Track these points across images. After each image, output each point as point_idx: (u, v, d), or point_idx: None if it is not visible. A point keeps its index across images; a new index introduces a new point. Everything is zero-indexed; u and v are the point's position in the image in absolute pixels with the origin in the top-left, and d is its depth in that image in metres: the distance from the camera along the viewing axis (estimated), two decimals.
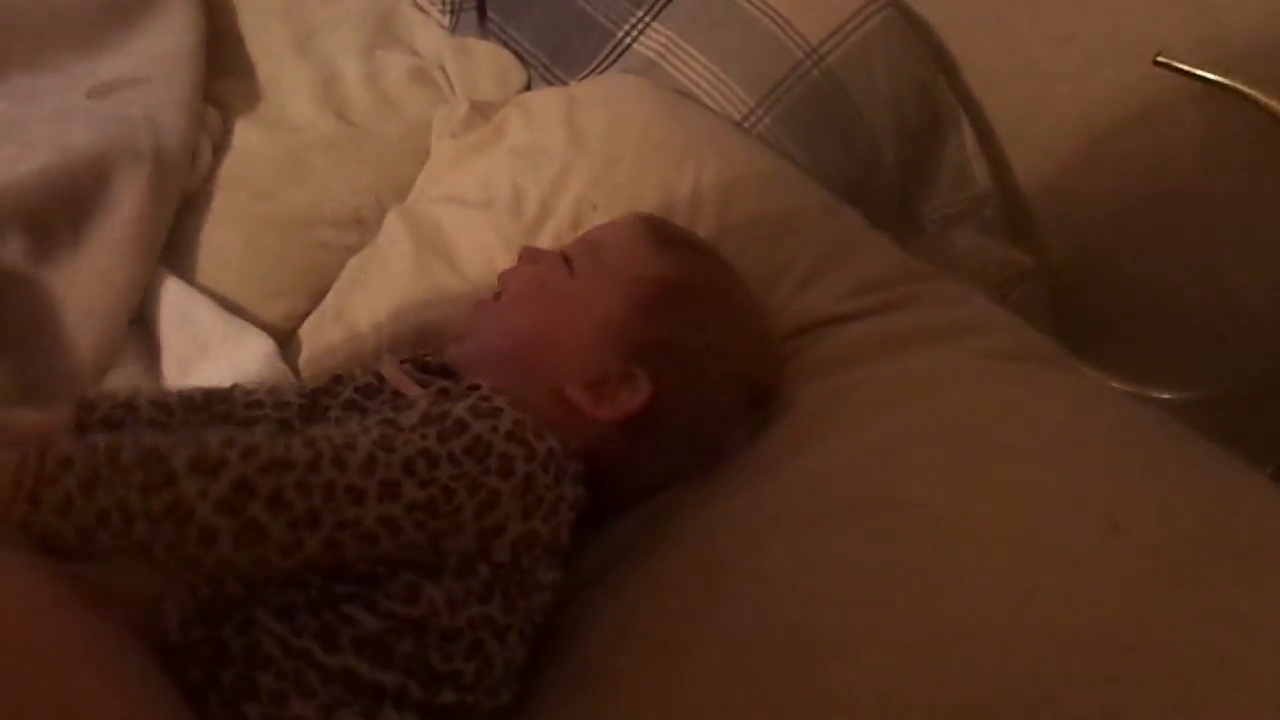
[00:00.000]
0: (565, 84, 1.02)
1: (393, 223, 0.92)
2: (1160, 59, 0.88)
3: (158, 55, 1.03)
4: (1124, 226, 1.09)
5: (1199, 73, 0.87)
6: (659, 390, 0.65)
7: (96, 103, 0.93)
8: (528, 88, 1.06)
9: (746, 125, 0.96)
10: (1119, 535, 0.60)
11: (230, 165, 0.97)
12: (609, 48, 1.01)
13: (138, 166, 0.86)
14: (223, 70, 1.10)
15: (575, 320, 0.67)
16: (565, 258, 0.71)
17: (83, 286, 0.81)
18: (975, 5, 1.09)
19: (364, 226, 0.95)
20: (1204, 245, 1.01)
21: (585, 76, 1.01)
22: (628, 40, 1.00)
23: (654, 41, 0.99)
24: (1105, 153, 1.05)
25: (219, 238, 0.92)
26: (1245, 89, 0.85)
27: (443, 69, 1.08)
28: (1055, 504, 0.64)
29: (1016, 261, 1.05)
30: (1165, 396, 0.99)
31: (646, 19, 1.00)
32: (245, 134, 1.01)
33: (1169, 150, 0.99)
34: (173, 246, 0.89)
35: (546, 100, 0.96)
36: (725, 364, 0.69)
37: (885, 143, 1.01)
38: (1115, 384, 0.98)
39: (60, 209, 0.81)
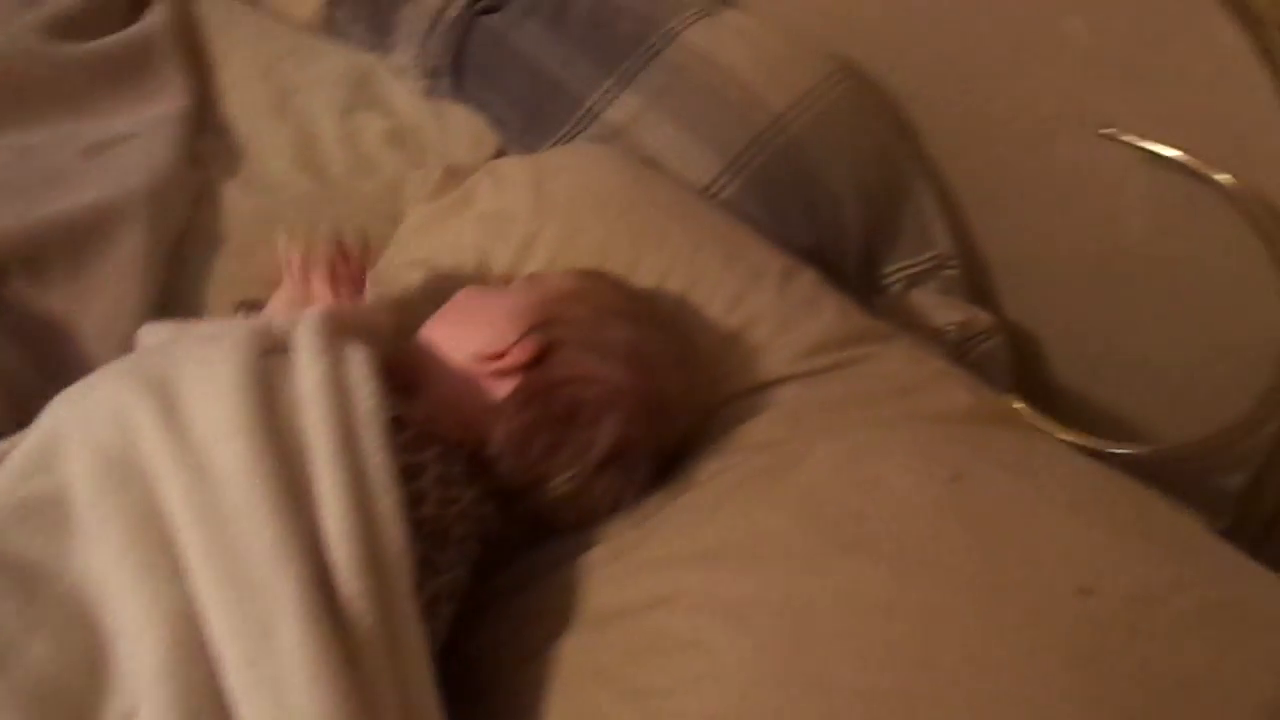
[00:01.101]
0: (536, 150, 1.05)
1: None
2: (1103, 131, 0.92)
3: (149, 117, 1.07)
4: (1078, 286, 1.12)
5: (1141, 144, 0.91)
6: (547, 353, 0.73)
7: (90, 161, 0.96)
8: (501, 153, 1.09)
9: (712, 191, 0.99)
10: (1089, 597, 0.62)
11: (208, 222, 0.99)
12: (578, 115, 1.04)
13: (132, 208, 0.91)
14: (202, 127, 1.12)
15: (491, 309, 0.77)
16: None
17: (92, 313, 0.87)
18: (936, 74, 1.13)
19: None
20: (1152, 305, 1.04)
21: (555, 143, 1.04)
22: (596, 109, 1.04)
23: (623, 110, 1.03)
24: (1058, 216, 1.09)
25: (200, 292, 0.94)
26: (1183, 158, 0.89)
27: (417, 131, 1.11)
28: (1019, 568, 0.65)
29: (976, 319, 1.08)
30: (1120, 451, 1.01)
31: (616, 89, 1.04)
32: (224, 191, 1.03)
33: (1117, 215, 1.02)
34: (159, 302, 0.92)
35: (515, 167, 0.99)
36: (617, 373, 0.73)
37: (847, 207, 1.04)
38: (1072, 438, 1.01)
39: (56, 250, 0.88)
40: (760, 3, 1.13)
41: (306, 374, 0.62)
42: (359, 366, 0.63)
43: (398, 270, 0.95)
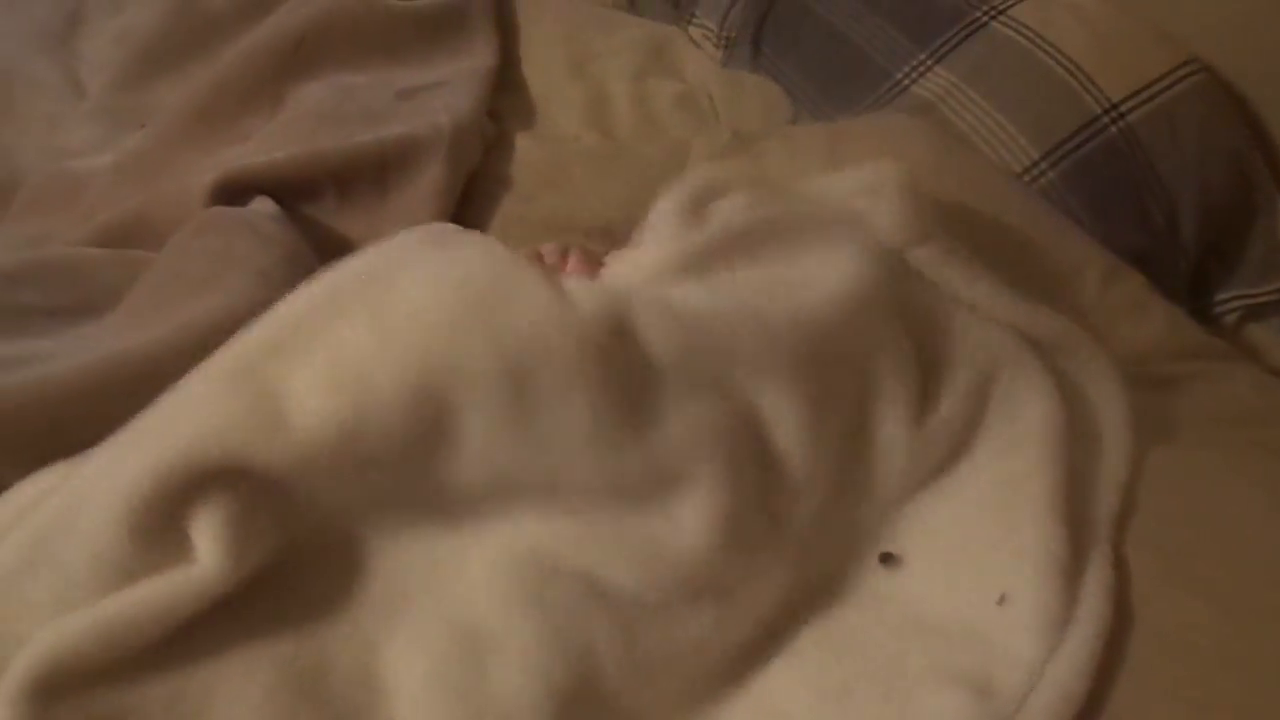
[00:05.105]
0: (833, 120, 0.99)
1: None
2: None
3: (459, 70, 1.12)
4: None
5: None
6: None
7: (403, 103, 1.01)
8: (795, 122, 1.04)
9: (1028, 178, 0.89)
10: None
11: (498, 167, 1.01)
12: (885, 88, 0.97)
13: (437, 143, 0.95)
14: (501, 86, 1.16)
15: None
16: None
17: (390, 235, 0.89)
18: None
19: (612, 238, 0.95)
20: None
21: (857, 114, 0.98)
22: (905, 82, 0.96)
23: (933, 85, 0.94)
24: None
25: (483, 229, 0.95)
26: None
27: (710, 97, 1.08)
28: None
29: None
30: None
31: (929, 62, 0.96)
32: (515, 141, 1.05)
33: None
34: None
35: (810, 132, 0.94)
36: None
37: (1185, 215, 0.90)
38: None
39: (366, 173, 0.93)
40: None
41: None
42: None
43: None
